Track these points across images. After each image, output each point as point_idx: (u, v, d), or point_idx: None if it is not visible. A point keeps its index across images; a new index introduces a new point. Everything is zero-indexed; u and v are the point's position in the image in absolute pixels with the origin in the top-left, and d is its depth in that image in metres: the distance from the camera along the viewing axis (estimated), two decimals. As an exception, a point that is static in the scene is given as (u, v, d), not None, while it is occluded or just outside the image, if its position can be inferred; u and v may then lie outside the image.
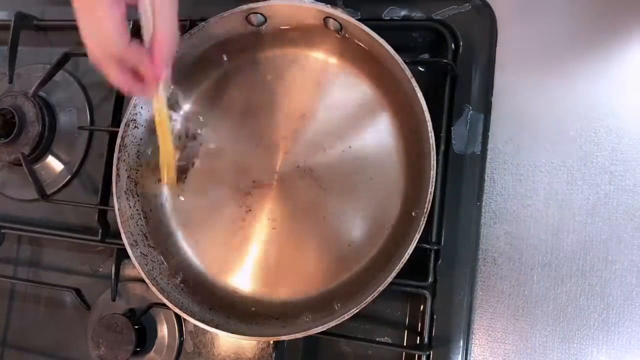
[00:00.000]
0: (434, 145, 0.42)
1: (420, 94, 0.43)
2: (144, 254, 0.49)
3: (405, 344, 0.48)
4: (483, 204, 0.47)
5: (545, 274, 0.46)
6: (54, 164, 0.60)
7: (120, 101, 0.55)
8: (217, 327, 0.45)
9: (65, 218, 0.60)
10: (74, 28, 0.61)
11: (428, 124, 0.42)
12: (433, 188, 0.42)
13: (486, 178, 0.48)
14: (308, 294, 0.48)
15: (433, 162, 0.42)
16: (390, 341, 0.49)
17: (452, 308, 0.46)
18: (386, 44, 0.44)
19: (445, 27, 0.49)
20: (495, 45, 0.48)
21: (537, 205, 0.46)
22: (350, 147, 0.49)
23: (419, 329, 0.47)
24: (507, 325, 0.46)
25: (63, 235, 0.57)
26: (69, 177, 0.60)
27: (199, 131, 0.53)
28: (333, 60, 0.50)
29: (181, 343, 0.54)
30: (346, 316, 0.41)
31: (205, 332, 0.54)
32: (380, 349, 0.49)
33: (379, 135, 0.48)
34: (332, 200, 0.49)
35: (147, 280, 0.46)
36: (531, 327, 0.45)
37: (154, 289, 0.46)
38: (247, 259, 0.50)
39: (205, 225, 0.52)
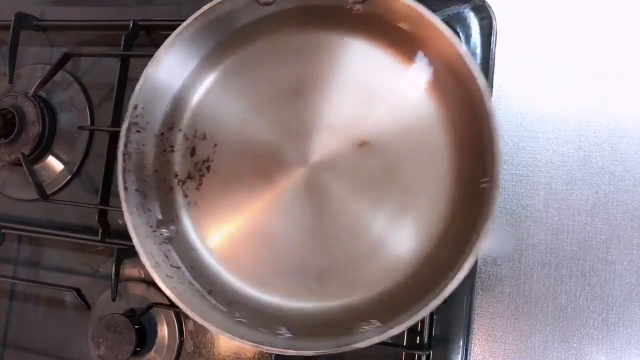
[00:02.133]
0: (492, 111, 0.36)
1: (469, 58, 0.37)
2: (169, 276, 0.44)
3: (405, 344, 0.48)
4: (483, 204, 0.47)
5: (545, 274, 0.46)
6: (54, 164, 0.60)
7: (120, 101, 0.55)
8: (266, 345, 0.40)
9: (65, 218, 0.60)
10: (74, 28, 0.62)
11: (483, 93, 0.37)
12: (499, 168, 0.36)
13: (486, 178, 0.47)
14: (344, 302, 0.44)
15: (496, 134, 0.36)
16: (390, 341, 0.49)
17: (452, 308, 0.46)
18: (422, 7, 0.39)
19: (445, 27, 0.49)
20: (495, 45, 0.48)
21: (536, 205, 0.46)
22: (385, 138, 0.44)
23: (419, 329, 0.47)
24: (507, 325, 0.46)
25: (63, 235, 0.57)
26: (69, 177, 0.60)
27: (210, 130, 0.48)
28: (357, 40, 0.45)
29: (181, 343, 0.54)
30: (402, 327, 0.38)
31: (205, 332, 0.54)
32: (380, 349, 0.49)
33: (419, 120, 0.43)
34: (365, 201, 0.45)
35: (182, 306, 0.41)
36: (531, 327, 0.45)
37: (194, 315, 0.41)
38: (279, 265, 0.46)
39: (228, 232, 0.47)
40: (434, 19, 0.39)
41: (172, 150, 0.49)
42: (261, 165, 0.46)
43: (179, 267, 0.46)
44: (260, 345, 0.40)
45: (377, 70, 0.45)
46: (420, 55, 0.44)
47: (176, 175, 0.49)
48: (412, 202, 0.44)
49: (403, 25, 0.42)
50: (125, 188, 0.45)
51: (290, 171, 0.46)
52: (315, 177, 0.46)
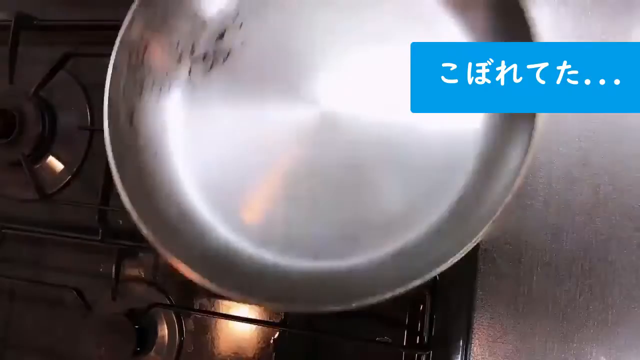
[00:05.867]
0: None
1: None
2: (119, 131, 0.39)
3: (405, 344, 0.48)
4: (483, 204, 0.47)
5: (545, 274, 0.46)
6: (54, 164, 0.60)
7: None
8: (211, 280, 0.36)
9: (65, 218, 0.60)
10: (74, 28, 0.62)
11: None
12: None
13: (486, 178, 0.47)
14: (349, 263, 0.41)
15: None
16: (390, 341, 0.49)
17: (452, 308, 0.46)
18: None
19: (445, 27, 0.48)
20: (495, 46, 0.48)
21: (537, 205, 0.46)
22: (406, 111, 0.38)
23: (419, 329, 0.47)
24: (507, 325, 0.46)
25: (63, 235, 0.57)
26: (69, 177, 0.60)
27: (247, 24, 0.44)
28: None
29: (181, 343, 0.54)
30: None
31: (205, 331, 0.54)
32: (380, 349, 0.49)
33: None
34: (374, 161, 0.41)
35: (112, 165, 0.38)
36: (531, 327, 0.45)
37: (117, 179, 0.38)
38: (271, 218, 0.42)
39: (210, 139, 0.42)
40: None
41: (204, 22, 0.44)
42: (275, 85, 0.42)
43: (145, 138, 0.42)
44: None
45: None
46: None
47: (192, 47, 0.45)
48: (420, 182, 0.40)
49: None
50: (132, 21, 0.41)
51: (299, 106, 0.42)
52: (320, 125, 0.41)
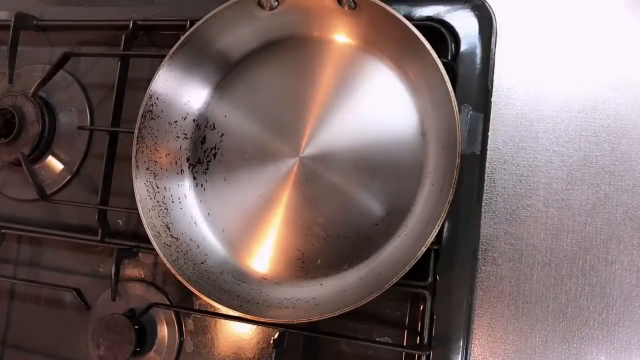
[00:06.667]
0: (459, 126, 0.42)
1: (441, 66, 0.42)
2: (167, 245, 0.48)
3: (405, 344, 0.48)
4: (483, 204, 0.47)
5: (545, 274, 0.46)
6: (54, 164, 0.61)
7: (120, 101, 0.56)
8: (247, 312, 0.45)
9: (65, 218, 0.60)
10: (74, 28, 0.62)
11: (453, 101, 0.42)
12: (458, 171, 0.41)
13: (486, 178, 0.48)
14: (339, 275, 0.49)
15: (458, 149, 0.42)
16: (390, 341, 0.49)
17: (452, 308, 0.46)
18: (400, 15, 0.44)
19: (445, 27, 0.49)
20: (495, 45, 0.48)
21: (537, 205, 0.46)
22: (371, 131, 0.49)
23: (419, 329, 0.47)
24: (507, 325, 0.46)
25: (63, 235, 0.57)
26: (69, 177, 0.60)
27: (218, 121, 0.53)
28: (352, 42, 0.50)
29: (181, 343, 0.54)
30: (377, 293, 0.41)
31: (205, 331, 0.54)
32: (380, 349, 0.49)
33: (401, 120, 0.48)
34: (355, 183, 0.49)
35: (173, 271, 0.46)
36: (531, 327, 0.45)
37: (180, 278, 0.46)
38: (274, 244, 0.50)
39: (229, 213, 0.52)
40: (416, 31, 0.44)
41: (186, 138, 0.53)
42: (260, 154, 0.51)
43: (177, 238, 0.50)
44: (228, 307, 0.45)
45: (367, 69, 0.50)
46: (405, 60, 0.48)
47: (188, 159, 0.53)
48: (389, 189, 0.48)
49: (386, 26, 0.46)
50: (137, 167, 0.49)
51: (285, 160, 0.50)
52: (302, 168, 0.50)
